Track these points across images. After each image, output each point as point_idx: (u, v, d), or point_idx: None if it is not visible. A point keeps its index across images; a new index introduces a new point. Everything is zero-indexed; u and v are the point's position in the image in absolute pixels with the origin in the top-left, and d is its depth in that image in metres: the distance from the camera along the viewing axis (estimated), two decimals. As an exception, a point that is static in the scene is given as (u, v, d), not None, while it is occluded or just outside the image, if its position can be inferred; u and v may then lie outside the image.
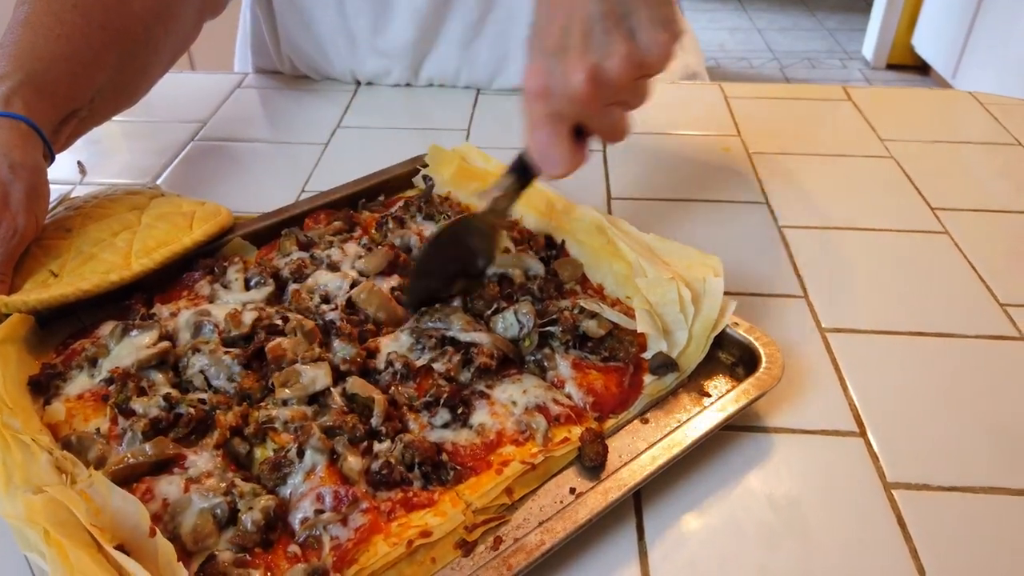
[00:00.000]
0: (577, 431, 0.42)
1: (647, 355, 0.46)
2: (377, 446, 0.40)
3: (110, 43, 0.58)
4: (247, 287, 0.50)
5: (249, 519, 0.36)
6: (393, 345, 0.46)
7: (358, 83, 0.85)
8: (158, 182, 0.68)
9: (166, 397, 0.42)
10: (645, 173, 0.69)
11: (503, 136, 0.74)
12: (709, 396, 0.45)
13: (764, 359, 0.45)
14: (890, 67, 3.90)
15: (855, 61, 4.05)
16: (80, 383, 0.44)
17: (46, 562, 0.33)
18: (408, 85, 0.85)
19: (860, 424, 0.44)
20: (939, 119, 0.78)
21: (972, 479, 0.41)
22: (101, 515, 0.35)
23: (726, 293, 0.47)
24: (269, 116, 0.80)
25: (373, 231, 0.56)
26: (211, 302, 0.49)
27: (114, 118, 0.70)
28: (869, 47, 3.98)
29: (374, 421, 0.41)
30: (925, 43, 3.70)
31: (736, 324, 0.47)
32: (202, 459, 0.39)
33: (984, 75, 3.13)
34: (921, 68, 3.78)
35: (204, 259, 0.54)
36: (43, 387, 0.44)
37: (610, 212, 0.63)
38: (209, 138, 0.75)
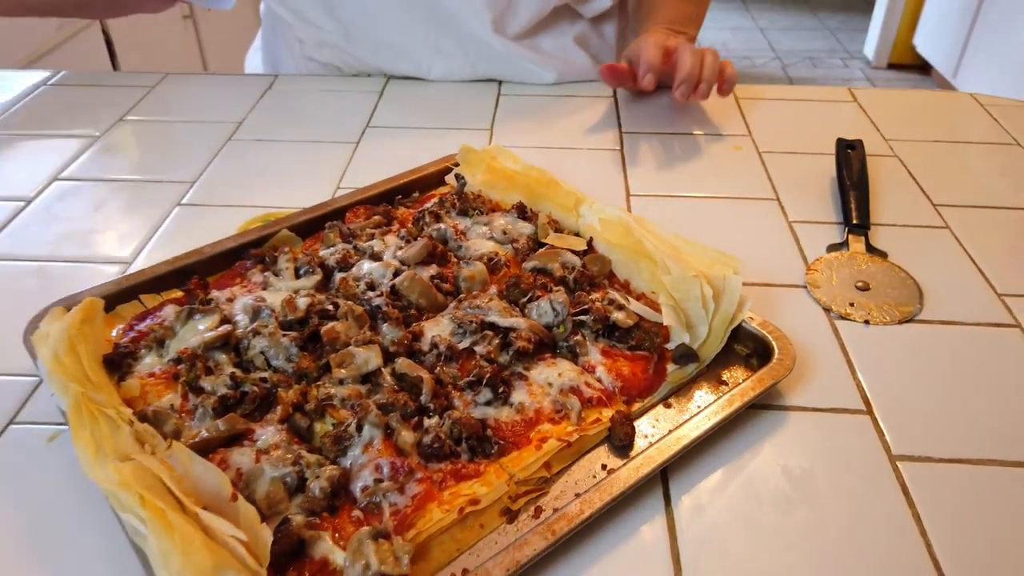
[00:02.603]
0: (608, 413, 0.46)
1: (670, 346, 0.50)
2: (427, 422, 0.44)
3: None
4: (297, 275, 0.54)
5: (317, 486, 0.40)
6: (436, 329, 0.50)
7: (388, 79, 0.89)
8: (201, 178, 0.72)
9: (232, 376, 0.45)
10: (662, 171, 0.73)
11: (525, 134, 0.78)
12: (726, 384, 0.49)
13: (777, 351, 0.48)
14: (891, 66, 3.93)
15: (856, 60, 4.08)
16: (149, 362, 0.48)
17: (144, 524, 0.36)
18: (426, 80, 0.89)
19: (867, 403, 0.48)
20: (941, 120, 0.82)
21: (971, 452, 0.45)
22: (184, 482, 0.39)
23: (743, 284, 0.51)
24: (300, 116, 0.83)
25: (410, 225, 0.60)
26: (264, 289, 0.53)
27: (153, 118, 0.74)
28: (871, 46, 4.00)
29: (423, 398, 0.45)
30: (926, 43, 3.73)
31: (751, 318, 0.51)
32: (268, 433, 0.43)
33: (984, 75, 3.17)
34: (922, 68, 3.81)
35: (253, 248, 0.57)
36: (116, 365, 0.47)
37: (629, 208, 0.67)
38: (243, 138, 0.79)
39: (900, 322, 0.55)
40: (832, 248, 0.61)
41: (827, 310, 0.56)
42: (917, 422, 0.47)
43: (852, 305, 0.56)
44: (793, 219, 0.66)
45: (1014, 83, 2.70)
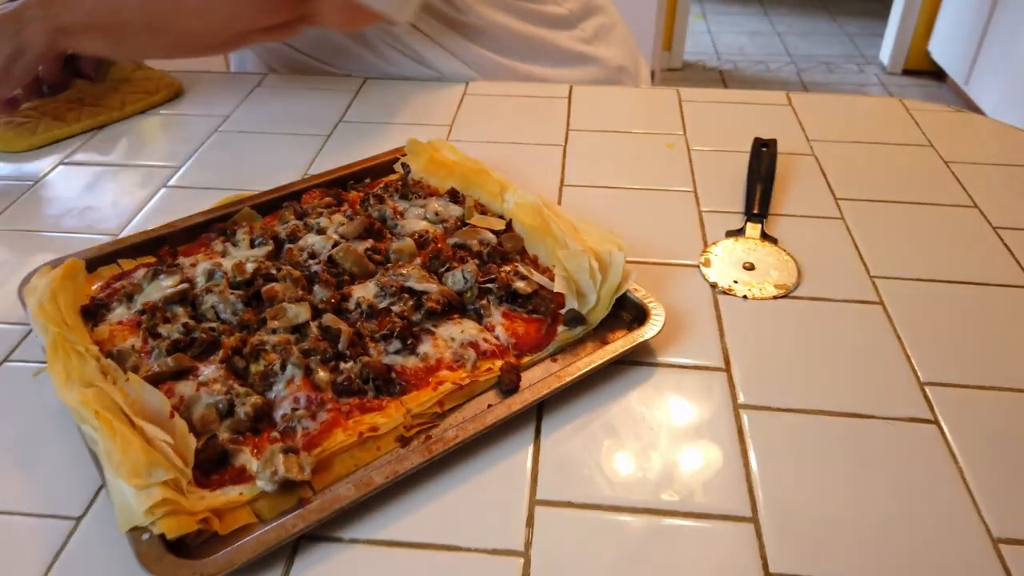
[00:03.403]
0: (499, 364, 0.54)
1: (563, 311, 0.58)
2: (343, 365, 0.53)
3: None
4: (251, 246, 0.63)
5: (242, 410, 0.49)
6: (362, 292, 0.58)
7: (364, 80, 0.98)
8: (187, 164, 0.82)
9: (184, 325, 0.55)
10: (596, 164, 0.81)
11: (482, 130, 0.87)
12: (608, 344, 0.57)
13: (651, 315, 0.56)
14: (906, 72, 3.94)
15: (872, 66, 4.09)
16: (119, 313, 0.57)
17: (96, 432, 0.45)
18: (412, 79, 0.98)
19: (727, 362, 0.56)
20: (864, 123, 0.89)
21: (806, 404, 0.52)
22: (135, 405, 0.48)
23: (642, 263, 0.58)
24: (281, 111, 0.92)
25: (357, 206, 0.69)
26: (223, 256, 0.62)
27: (156, 112, 0.85)
28: (886, 52, 4.02)
29: (340, 346, 0.53)
30: (940, 49, 3.74)
31: (636, 289, 0.58)
32: (210, 370, 0.52)
33: (996, 82, 3.18)
34: (937, 74, 3.82)
35: (219, 223, 0.66)
36: (92, 314, 0.57)
37: (560, 197, 0.75)
38: (229, 130, 0.88)
39: (775, 297, 0.62)
40: (730, 234, 0.69)
41: (713, 286, 0.63)
42: (766, 379, 0.55)
43: (736, 282, 0.63)
44: (704, 208, 0.73)
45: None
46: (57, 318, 0.53)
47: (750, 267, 0.65)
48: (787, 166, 0.79)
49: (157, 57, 0.95)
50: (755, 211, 0.71)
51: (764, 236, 0.68)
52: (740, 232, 0.69)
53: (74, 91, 0.93)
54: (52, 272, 0.57)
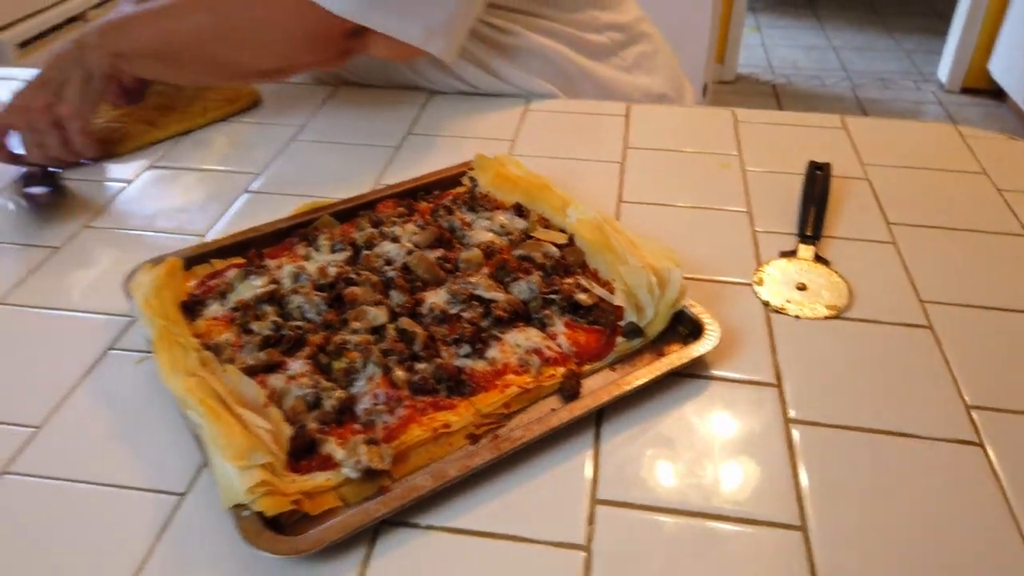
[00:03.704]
0: (561, 370, 0.58)
1: (622, 323, 0.61)
2: (417, 366, 0.57)
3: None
4: (332, 251, 0.68)
5: (328, 403, 0.54)
6: (434, 298, 0.62)
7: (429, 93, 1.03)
8: (266, 171, 0.87)
9: (274, 322, 0.59)
10: (653, 182, 0.84)
11: (542, 146, 0.91)
12: (664, 356, 0.60)
13: (707, 330, 0.60)
14: (965, 91, 3.87)
15: (930, 83, 4.02)
16: (214, 309, 0.62)
17: (200, 418, 0.50)
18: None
19: (778, 378, 0.59)
20: (919, 148, 0.90)
21: (856, 421, 0.55)
22: (233, 394, 0.53)
23: (698, 279, 0.62)
24: (353, 122, 0.98)
25: (428, 216, 0.73)
26: (306, 260, 0.67)
27: (236, 119, 0.91)
28: (944, 70, 3.95)
29: (416, 348, 0.58)
30: (1001, 68, 3.66)
31: (692, 305, 0.62)
32: (297, 365, 0.57)
33: (1056, 103, 3.11)
34: (996, 93, 3.75)
35: (301, 229, 0.72)
36: (190, 309, 0.62)
37: (618, 213, 0.79)
38: (304, 139, 0.94)
39: (826, 318, 0.65)
40: (784, 255, 0.72)
41: (766, 304, 0.66)
42: (816, 395, 0.57)
43: (788, 302, 0.66)
44: (758, 229, 0.76)
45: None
46: (161, 312, 0.59)
47: (802, 288, 0.67)
48: (840, 189, 0.82)
49: (211, 83, 1.01)
50: (808, 233, 0.73)
51: (817, 258, 0.71)
52: (793, 253, 0.72)
53: (163, 99, 0.99)
54: (155, 269, 0.63)
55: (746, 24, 4.12)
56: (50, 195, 0.82)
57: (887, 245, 0.74)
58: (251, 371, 0.56)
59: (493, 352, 0.59)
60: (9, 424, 0.56)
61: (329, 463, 0.51)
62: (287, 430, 0.51)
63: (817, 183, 0.79)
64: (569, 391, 0.57)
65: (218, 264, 0.68)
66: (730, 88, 3.91)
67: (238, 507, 0.47)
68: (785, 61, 4.23)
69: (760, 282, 0.68)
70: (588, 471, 0.52)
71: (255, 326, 0.59)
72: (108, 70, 0.84)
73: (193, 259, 0.67)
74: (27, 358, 0.62)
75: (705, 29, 3.14)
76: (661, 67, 1.13)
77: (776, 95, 3.87)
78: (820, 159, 0.83)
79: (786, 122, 0.97)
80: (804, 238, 0.73)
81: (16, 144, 0.85)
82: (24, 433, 0.55)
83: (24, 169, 0.85)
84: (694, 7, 3.08)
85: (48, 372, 0.60)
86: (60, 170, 0.86)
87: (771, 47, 4.40)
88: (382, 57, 0.92)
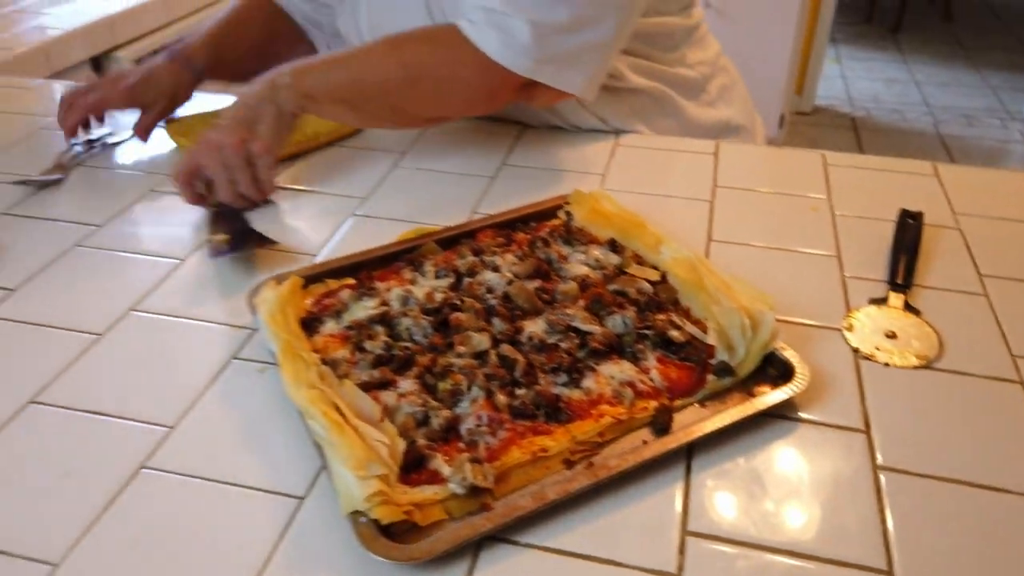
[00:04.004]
0: (654, 404, 0.61)
1: (713, 362, 0.64)
2: (518, 391, 0.60)
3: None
4: (436, 277, 0.73)
5: (436, 422, 0.58)
6: (533, 327, 0.66)
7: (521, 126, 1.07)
8: (373, 196, 0.93)
9: (385, 343, 0.64)
10: (742, 222, 0.86)
11: (633, 181, 0.94)
12: (754, 396, 0.62)
13: (797, 373, 0.62)
14: (1054, 130, 3.73)
15: (1016, 122, 3.89)
16: (330, 327, 0.67)
17: (323, 429, 0.55)
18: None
19: (867, 424, 0.60)
20: (1012, 199, 0.90)
21: (947, 471, 0.56)
22: (350, 407, 0.57)
23: (787, 321, 0.64)
24: (450, 151, 1.03)
25: (525, 247, 0.77)
26: (412, 284, 0.72)
27: (343, 144, 0.97)
28: (1032, 107, 3.80)
29: (516, 374, 0.61)
30: (1094, 108, 3.51)
31: (783, 347, 0.64)
32: (407, 384, 0.61)
33: None
34: (1089, 134, 3.60)
35: (407, 255, 0.76)
36: (308, 326, 0.67)
37: (708, 251, 0.81)
38: (407, 167, 0.99)
39: (916, 367, 0.66)
40: (873, 301, 0.73)
41: (855, 351, 0.68)
42: (906, 443, 0.59)
43: (878, 349, 0.67)
44: (847, 274, 0.77)
45: None
46: (285, 327, 0.64)
47: (892, 335, 0.68)
48: (932, 238, 0.82)
49: (387, 127, 1.06)
50: (899, 281, 0.74)
51: (907, 306, 0.72)
52: (883, 301, 0.73)
53: None
54: (279, 287, 0.68)
55: (826, 55, 4.07)
56: (236, 247, 0.81)
57: (979, 297, 0.74)
58: (365, 387, 0.60)
59: (588, 382, 0.62)
60: (148, 423, 0.61)
61: (437, 478, 0.55)
62: (401, 444, 0.55)
63: (909, 231, 0.79)
64: (661, 424, 0.60)
65: (332, 284, 0.74)
66: (808, 120, 3.86)
67: (356, 514, 0.51)
68: (865, 94, 4.15)
69: (850, 328, 0.70)
70: (678, 503, 0.55)
71: (368, 345, 0.64)
72: (296, 110, 0.87)
73: (310, 278, 0.73)
74: (161, 363, 0.68)
75: (785, 60, 3.13)
76: (737, 98, 1.15)
77: (855, 128, 3.81)
78: (910, 206, 0.84)
79: (876, 167, 0.98)
80: (895, 286, 0.74)
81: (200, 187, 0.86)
82: (160, 432, 0.61)
83: (208, 211, 0.87)
84: (776, 38, 3.07)
85: (180, 377, 0.66)
86: (247, 209, 0.87)
87: (851, 79, 4.33)
88: (539, 105, 0.97)
